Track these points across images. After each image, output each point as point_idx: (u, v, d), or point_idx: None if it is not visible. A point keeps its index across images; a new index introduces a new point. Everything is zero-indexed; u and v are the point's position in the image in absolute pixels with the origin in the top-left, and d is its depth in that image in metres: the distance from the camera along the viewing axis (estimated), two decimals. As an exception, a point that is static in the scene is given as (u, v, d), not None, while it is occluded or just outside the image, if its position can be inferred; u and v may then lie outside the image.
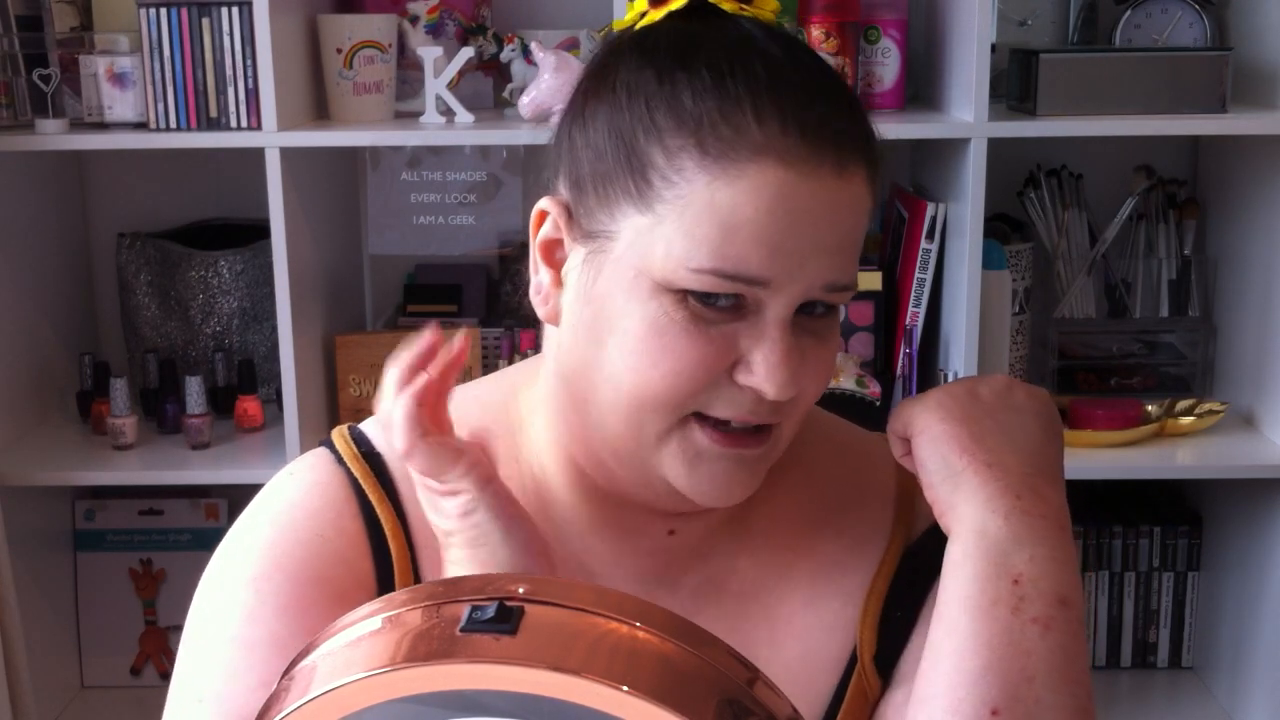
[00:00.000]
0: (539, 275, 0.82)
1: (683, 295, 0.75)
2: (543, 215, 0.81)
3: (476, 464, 0.77)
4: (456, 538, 0.77)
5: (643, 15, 0.81)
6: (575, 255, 0.80)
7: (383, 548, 0.85)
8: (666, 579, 0.87)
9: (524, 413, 0.88)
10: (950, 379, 1.92)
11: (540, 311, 0.82)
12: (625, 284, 0.76)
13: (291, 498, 0.87)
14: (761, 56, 0.76)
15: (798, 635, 0.86)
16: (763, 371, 0.75)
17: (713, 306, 0.75)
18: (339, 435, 0.90)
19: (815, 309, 0.77)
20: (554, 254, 0.81)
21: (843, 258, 0.76)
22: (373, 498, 0.86)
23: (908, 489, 0.89)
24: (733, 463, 0.78)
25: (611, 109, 0.77)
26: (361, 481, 0.87)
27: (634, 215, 0.76)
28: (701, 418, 0.78)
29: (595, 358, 0.78)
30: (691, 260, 0.74)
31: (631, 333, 0.76)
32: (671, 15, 0.80)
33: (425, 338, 0.78)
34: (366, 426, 0.90)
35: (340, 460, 0.88)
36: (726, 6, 0.80)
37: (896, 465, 0.89)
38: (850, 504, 0.89)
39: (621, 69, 0.78)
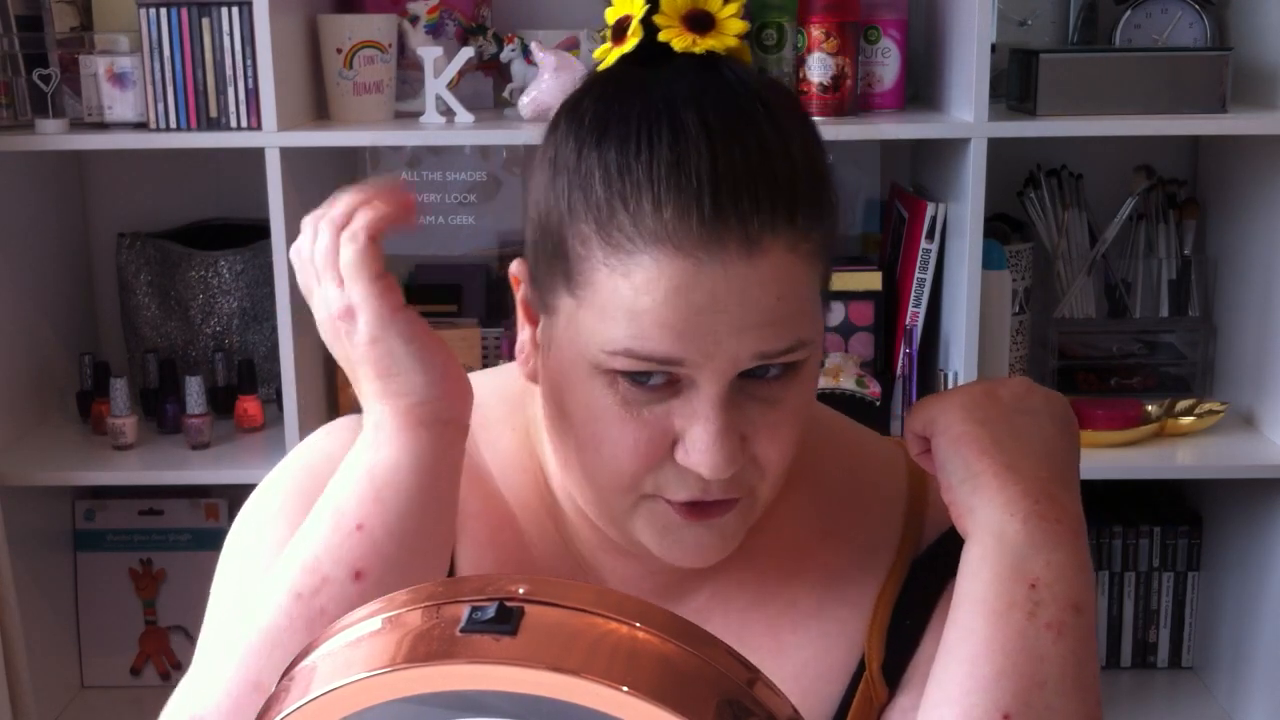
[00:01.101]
0: (522, 334, 0.82)
1: (612, 377, 0.74)
2: (516, 279, 0.82)
3: (389, 289, 0.78)
4: (366, 368, 0.78)
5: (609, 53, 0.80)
6: (541, 322, 0.80)
7: None
8: (675, 594, 0.87)
9: (538, 415, 0.88)
10: (950, 379, 1.92)
11: (522, 371, 0.83)
12: (567, 364, 0.77)
13: (326, 448, 0.88)
14: (675, 128, 0.73)
15: (803, 644, 0.86)
16: (696, 453, 0.74)
17: (643, 387, 0.74)
18: None
19: (768, 372, 0.75)
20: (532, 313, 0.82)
21: (768, 330, 0.73)
22: None
23: (917, 498, 0.89)
24: (702, 531, 0.78)
25: (545, 183, 0.77)
26: None
27: (565, 296, 0.76)
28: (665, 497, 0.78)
29: (563, 429, 0.79)
30: (606, 343, 0.73)
31: (577, 416, 0.77)
32: (624, 58, 0.79)
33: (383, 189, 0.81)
34: None
35: None
36: (677, 44, 0.77)
37: (907, 474, 0.89)
38: (858, 514, 0.89)
39: (557, 135, 0.77)
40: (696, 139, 0.72)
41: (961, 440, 0.78)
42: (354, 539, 0.75)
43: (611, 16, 0.80)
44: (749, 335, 0.72)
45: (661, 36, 0.77)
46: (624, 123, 0.74)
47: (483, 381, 0.91)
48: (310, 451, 0.90)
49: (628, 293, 0.72)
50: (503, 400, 0.90)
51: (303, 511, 0.81)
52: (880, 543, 0.88)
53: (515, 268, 0.82)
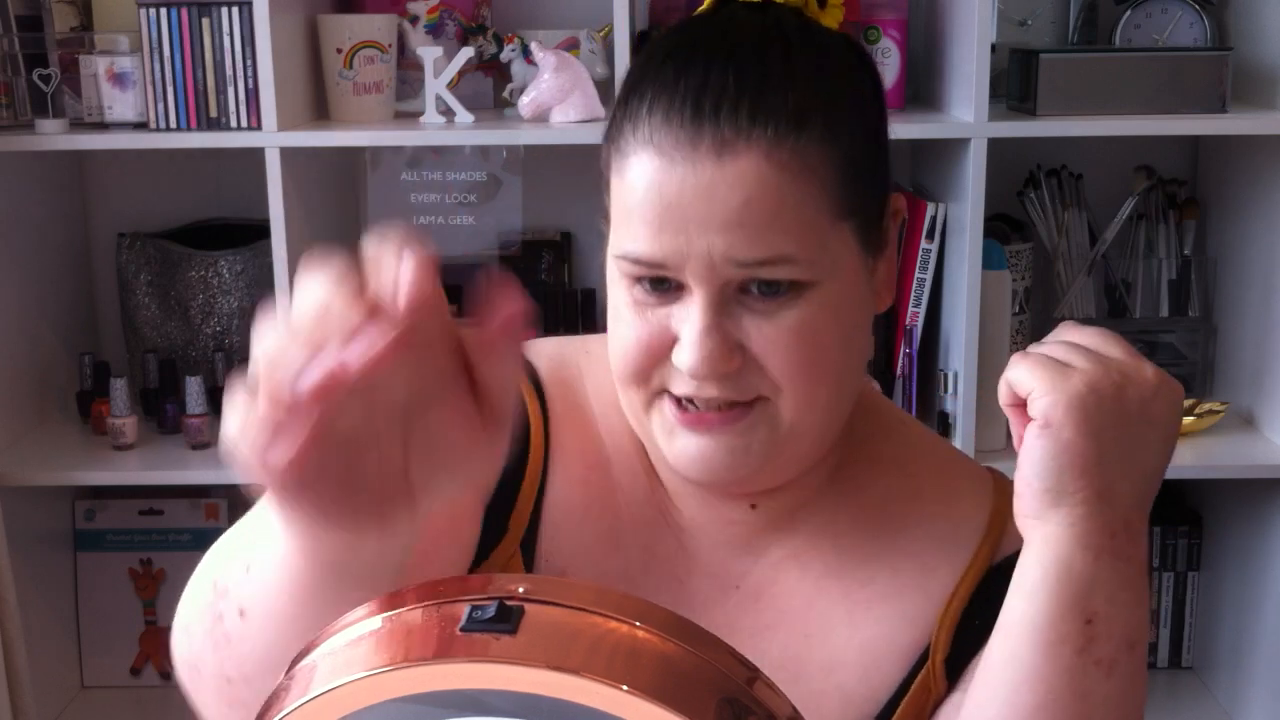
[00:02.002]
0: None
1: (630, 280, 0.81)
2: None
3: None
4: None
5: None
6: None
7: (522, 431, 0.90)
8: (752, 548, 0.89)
9: None
10: (950, 379, 1.92)
11: None
12: (608, 267, 0.84)
13: None
14: (688, 54, 0.80)
15: (874, 621, 0.87)
16: (681, 350, 0.79)
17: (653, 291, 0.80)
18: None
19: (777, 289, 0.78)
20: None
21: (738, 233, 0.76)
22: (523, 389, 0.91)
23: (1002, 507, 0.88)
24: (707, 441, 0.81)
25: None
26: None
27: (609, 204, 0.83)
28: (670, 394, 0.82)
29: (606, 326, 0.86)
30: (615, 248, 0.81)
31: (608, 312, 0.84)
32: (713, 3, 0.86)
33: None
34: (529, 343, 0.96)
35: None
36: None
37: (994, 487, 0.90)
38: (944, 510, 0.90)
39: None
40: (700, 61, 0.79)
41: (1067, 449, 0.73)
42: None
43: None
44: (718, 237, 0.76)
45: None
46: (672, 47, 0.82)
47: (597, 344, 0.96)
48: None
49: (623, 193, 0.79)
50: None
51: None
52: (962, 542, 0.89)
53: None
